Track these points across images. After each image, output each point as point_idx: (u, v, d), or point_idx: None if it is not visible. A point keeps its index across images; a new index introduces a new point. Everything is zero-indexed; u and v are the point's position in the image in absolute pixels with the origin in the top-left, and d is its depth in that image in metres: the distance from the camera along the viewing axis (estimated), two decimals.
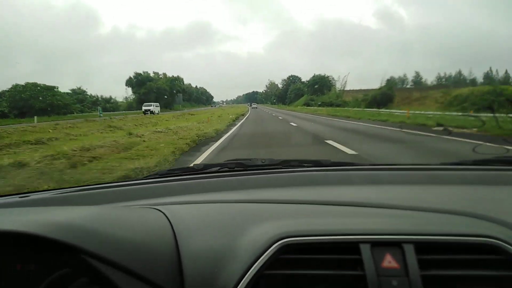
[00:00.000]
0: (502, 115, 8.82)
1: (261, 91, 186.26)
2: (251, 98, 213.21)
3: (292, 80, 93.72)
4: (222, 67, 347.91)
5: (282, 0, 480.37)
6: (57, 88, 44.20)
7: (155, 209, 0.77)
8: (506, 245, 0.57)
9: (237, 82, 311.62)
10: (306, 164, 1.22)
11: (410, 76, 52.11)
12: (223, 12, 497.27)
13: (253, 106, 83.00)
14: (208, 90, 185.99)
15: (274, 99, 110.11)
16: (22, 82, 41.82)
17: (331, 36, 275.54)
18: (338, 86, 60.89)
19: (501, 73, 45.51)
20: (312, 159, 1.28)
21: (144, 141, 9.20)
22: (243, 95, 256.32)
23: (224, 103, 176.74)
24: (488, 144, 1.43)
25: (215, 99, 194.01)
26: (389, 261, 0.56)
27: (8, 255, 0.61)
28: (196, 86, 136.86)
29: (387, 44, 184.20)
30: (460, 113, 16.04)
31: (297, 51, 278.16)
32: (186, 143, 8.38)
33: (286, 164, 1.22)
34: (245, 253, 0.60)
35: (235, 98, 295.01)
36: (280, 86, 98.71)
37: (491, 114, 8.55)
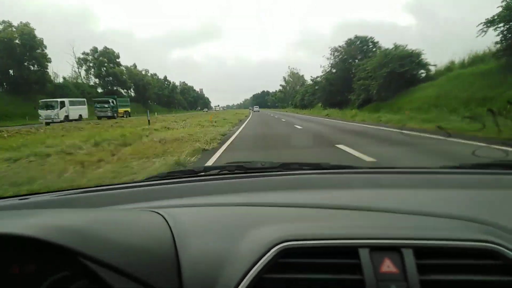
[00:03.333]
0: None
1: (274, 91, 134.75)
2: (260, 101, 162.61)
3: (366, 46, 38.89)
4: (232, 69, 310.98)
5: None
6: None
7: (154, 212, 0.76)
8: (505, 250, 0.57)
9: (247, 85, 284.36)
10: (306, 167, 1.23)
11: None
12: (233, 10, 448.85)
13: (255, 109, 73.62)
14: (204, 91, 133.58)
15: (304, 97, 56.35)
16: None
17: (355, 34, 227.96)
18: None
19: None
20: (312, 162, 1.29)
21: None
22: (251, 97, 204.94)
23: (221, 108, 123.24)
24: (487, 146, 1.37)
25: (217, 103, 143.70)
26: (388, 266, 0.56)
27: (7, 258, 0.61)
28: (166, 77, 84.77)
29: (418, 41, 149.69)
30: None
31: (316, 52, 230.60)
32: None
33: (286, 167, 1.23)
34: (244, 256, 0.59)
35: (241, 102, 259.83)
36: (328, 63, 40.36)
37: None
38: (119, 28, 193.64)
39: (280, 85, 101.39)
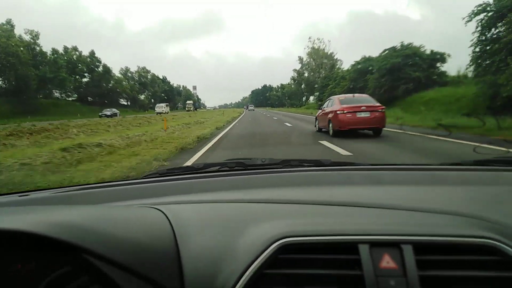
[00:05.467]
0: None
1: (277, 85, 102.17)
2: (261, 98, 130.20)
3: None
4: (232, 67, 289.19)
5: None
6: None
7: (155, 208, 0.77)
8: (504, 246, 0.57)
9: (248, 83, 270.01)
10: (306, 164, 1.23)
11: None
12: (236, 2, 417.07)
13: (250, 108, 68.20)
14: (202, 89, 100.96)
15: (352, 85, 24.09)
16: None
17: (364, 28, 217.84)
18: None
19: None
20: (312, 158, 1.29)
21: None
22: (249, 95, 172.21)
23: (205, 107, 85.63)
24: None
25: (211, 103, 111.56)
26: (387, 262, 0.57)
27: (8, 254, 0.61)
28: (93, 52, 50.76)
29: (432, 34, 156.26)
30: None
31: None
32: None
33: (286, 163, 1.23)
34: (244, 252, 0.60)
35: (240, 100, 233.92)
36: None
37: None
38: (108, 18, 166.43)
39: (294, 70, 67.19)
